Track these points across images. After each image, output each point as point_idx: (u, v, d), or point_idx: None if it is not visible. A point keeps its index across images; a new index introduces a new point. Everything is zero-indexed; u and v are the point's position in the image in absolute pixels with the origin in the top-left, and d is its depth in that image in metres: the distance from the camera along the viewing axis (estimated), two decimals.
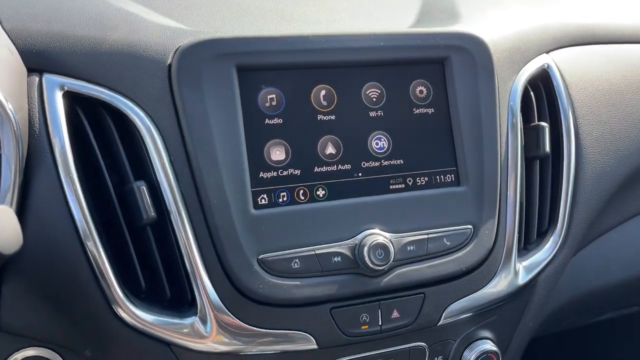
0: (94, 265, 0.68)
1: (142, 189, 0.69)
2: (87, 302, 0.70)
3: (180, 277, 0.71)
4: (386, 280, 0.75)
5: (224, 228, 0.70)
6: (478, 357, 0.82)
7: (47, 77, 0.70)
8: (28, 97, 0.69)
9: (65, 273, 0.69)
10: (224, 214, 0.70)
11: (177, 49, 0.72)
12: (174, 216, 0.70)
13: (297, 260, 0.72)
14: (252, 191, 0.72)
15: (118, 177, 0.71)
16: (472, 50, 0.81)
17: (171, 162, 0.70)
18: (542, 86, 0.91)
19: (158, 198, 0.70)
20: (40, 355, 0.73)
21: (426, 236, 0.77)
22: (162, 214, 0.70)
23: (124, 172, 0.71)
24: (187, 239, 0.70)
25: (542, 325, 0.96)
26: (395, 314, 0.76)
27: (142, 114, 0.70)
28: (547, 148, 0.87)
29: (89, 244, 0.68)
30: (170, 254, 0.71)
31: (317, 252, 0.73)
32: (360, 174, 0.77)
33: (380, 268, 0.73)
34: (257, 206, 0.72)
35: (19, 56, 0.69)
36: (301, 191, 0.74)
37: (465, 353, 0.83)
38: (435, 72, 0.81)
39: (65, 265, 0.69)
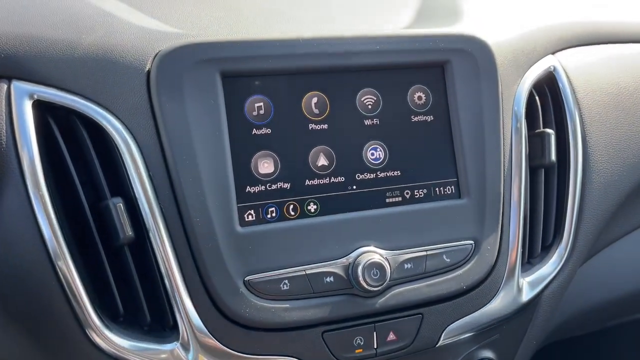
0: (66, 287, 0.64)
1: (118, 207, 0.64)
2: (60, 327, 0.65)
3: (161, 299, 0.66)
4: (382, 301, 0.70)
5: (208, 247, 0.65)
6: None
7: (16, 85, 0.65)
8: None
9: (36, 296, 0.64)
10: (207, 232, 0.65)
11: (156, 54, 0.66)
12: (153, 235, 0.65)
13: (286, 281, 0.67)
14: (238, 207, 0.67)
15: (93, 193, 0.66)
16: (474, 53, 0.76)
17: (150, 177, 0.65)
18: (547, 90, 0.86)
19: (136, 215, 0.65)
20: None
21: (425, 253, 0.72)
22: (140, 232, 0.65)
23: (99, 187, 0.65)
24: (168, 259, 0.65)
25: (544, 340, 0.92)
26: (391, 336, 0.71)
27: (118, 125, 0.65)
28: (553, 156, 0.82)
29: (60, 264, 0.63)
30: (149, 275, 0.66)
31: (308, 272, 0.68)
32: (354, 187, 0.72)
33: (375, 289, 0.68)
34: (243, 223, 0.67)
35: None
36: (291, 206, 0.69)
37: None
38: (434, 76, 0.76)
39: (36, 287, 0.64)
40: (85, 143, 0.66)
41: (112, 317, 0.66)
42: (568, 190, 0.83)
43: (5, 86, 0.65)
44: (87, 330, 0.64)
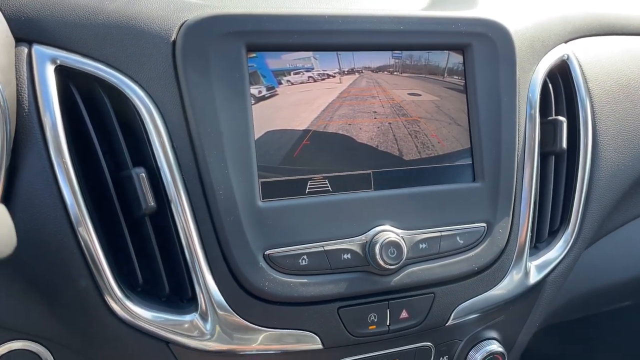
0: (87, 254, 0.63)
1: (141, 176, 0.63)
2: (79, 294, 0.65)
3: (180, 271, 0.66)
4: (396, 279, 0.71)
5: (229, 220, 0.65)
6: (484, 358, 0.79)
7: (37, 49, 0.63)
8: (16, 71, 0.63)
9: (56, 262, 0.64)
10: (229, 205, 0.65)
11: (182, 24, 0.66)
12: (175, 206, 0.65)
13: (305, 256, 0.68)
14: (261, 182, 0.67)
15: (115, 162, 0.66)
16: (495, 38, 0.77)
17: (173, 147, 0.65)
18: (560, 78, 0.87)
19: (158, 186, 0.65)
20: (27, 348, 0.68)
21: (439, 234, 0.73)
22: (162, 203, 0.65)
23: (121, 157, 0.65)
24: (189, 231, 0.65)
25: (543, 322, 0.94)
26: (404, 314, 0.73)
27: (142, 93, 0.64)
28: (564, 144, 0.83)
29: (82, 231, 0.63)
30: (170, 247, 0.66)
31: (327, 248, 0.68)
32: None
33: (391, 267, 0.69)
34: (264, 198, 0.67)
35: (5, 24, 0.63)
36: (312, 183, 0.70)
37: (471, 353, 0.80)
38: (454, 60, 0.76)
39: (56, 253, 0.64)
40: (107, 111, 0.65)
41: (130, 287, 0.66)
42: (577, 177, 0.85)
43: (26, 50, 0.64)
44: (106, 299, 0.64)
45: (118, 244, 0.65)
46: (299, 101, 0.69)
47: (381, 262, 0.69)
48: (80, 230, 0.63)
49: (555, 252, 0.84)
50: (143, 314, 0.65)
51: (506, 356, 0.81)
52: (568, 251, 0.85)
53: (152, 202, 0.64)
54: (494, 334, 0.82)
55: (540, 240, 0.84)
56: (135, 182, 0.63)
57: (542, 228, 0.84)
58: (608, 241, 0.98)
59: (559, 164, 0.85)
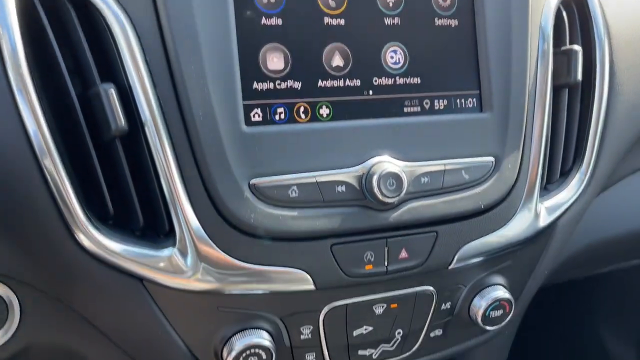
0: (52, 185, 0.57)
1: (110, 93, 0.57)
2: (45, 229, 0.59)
3: (156, 202, 0.60)
4: (395, 215, 0.65)
5: (210, 145, 0.58)
6: (490, 305, 0.73)
7: None
8: None
9: (19, 194, 0.58)
10: (209, 129, 0.58)
11: None
12: (148, 129, 0.58)
13: (295, 187, 0.61)
14: (244, 104, 0.60)
15: (82, 82, 0.59)
16: None
17: (146, 62, 0.58)
18: (575, 7, 0.80)
19: (130, 107, 0.58)
20: None
21: (443, 167, 0.67)
22: (134, 126, 0.58)
23: (88, 75, 0.58)
24: (165, 156, 0.58)
25: (552, 274, 0.88)
26: (403, 254, 0.66)
27: (112, 3, 0.57)
28: (579, 75, 0.76)
29: (46, 162, 0.57)
30: (144, 175, 0.60)
31: (319, 179, 0.62)
32: (370, 92, 0.66)
33: (390, 200, 0.63)
34: (249, 122, 0.60)
35: None
36: (302, 108, 0.63)
37: (476, 300, 0.74)
38: None
39: (19, 185, 0.57)
40: (72, 23, 0.58)
41: (100, 219, 0.60)
42: (592, 112, 0.78)
43: None
44: (73, 230, 0.58)
45: (86, 172, 0.59)
46: None
47: (379, 195, 0.62)
48: (44, 158, 0.57)
49: (567, 193, 0.77)
50: (114, 247, 0.59)
51: (513, 304, 0.75)
52: (581, 193, 0.79)
53: (122, 122, 0.57)
54: (500, 279, 0.76)
55: (552, 181, 0.78)
56: (103, 100, 0.56)
57: (553, 167, 0.77)
58: (620, 189, 0.92)
59: (572, 97, 0.78)
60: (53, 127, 0.57)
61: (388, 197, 0.62)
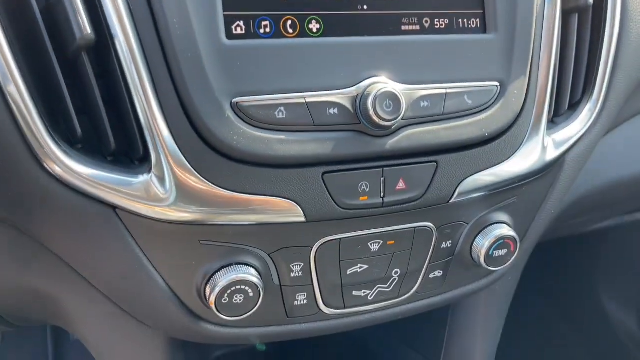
0: (14, 107, 0.52)
1: None
2: (7, 155, 0.53)
3: (129, 122, 0.54)
4: (393, 142, 0.59)
5: (187, 58, 0.53)
6: (493, 243, 0.69)
7: None
8: None
9: None
10: (186, 41, 0.53)
11: None
12: (118, 40, 0.52)
13: (282, 108, 0.56)
14: (225, 15, 0.54)
15: None
16: None
17: None
18: None
19: (98, 17, 0.52)
20: None
21: (444, 91, 0.61)
22: (103, 38, 0.53)
23: None
24: (138, 71, 0.53)
25: (557, 220, 0.84)
26: (401, 185, 0.61)
27: None
28: None
29: (10, 87, 0.51)
30: (115, 92, 0.54)
31: (308, 100, 0.56)
32: (365, 7, 0.60)
33: (387, 124, 0.57)
34: (230, 35, 0.55)
35: None
36: (289, 22, 0.57)
37: (478, 239, 0.70)
38: None
39: None
40: None
41: (69, 143, 0.55)
42: (603, 40, 0.73)
43: None
44: (40, 157, 0.53)
45: (53, 94, 0.53)
46: None
47: (374, 118, 0.57)
48: (7, 84, 0.51)
49: (577, 126, 0.72)
50: (83, 172, 0.54)
51: (518, 243, 0.70)
52: (591, 126, 0.73)
53: (88, 30, 0.51)
54: (504, 218, 0.71)
55: (559, 113, 0.73)
56: (66, 5, 0.51)
57: (562, 98, 0.72)
58: (624, 131, 0.87)
59: (583, 23, 0.72)
60: (13, 42, 0.52)
61: (385, 119, 0.57)
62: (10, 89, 0.51)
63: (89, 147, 0.56)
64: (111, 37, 0.52)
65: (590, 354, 1.59)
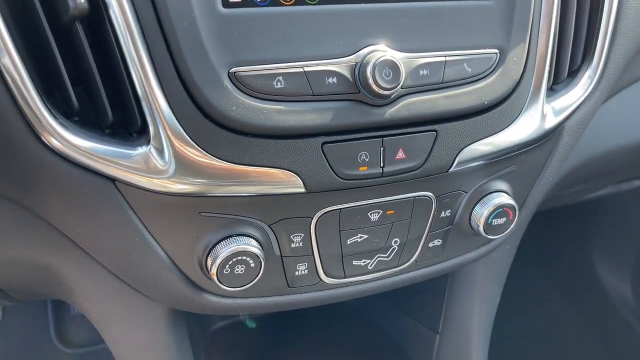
0: (9, 80, 0.51)
1: None
2: (5, 129, 0.53)
3: (126, 93, 0.53)
4: (392, 111, 0.59)
5: (183, 27, 0.52)
6: (492, 212, 0.69)
7: None
8: None
9: None
10: (182, 9, 0.52)
11: None
12: (112, 9, 0.51)
13: (280, 77, 0.55)
14: None
15: None
16: None
17: None
18: None
19: None
20: None
21: (443, 59, 0.60)
22: (98, 9, 0.52)
23: None
24: (134, 41, 0.52)
25: (555, 187, 0.84)
26: (400, 154, 0.61)
27: None
28: None
29: (4, 60, 0.50)
30: (111, 63, 0.53)
31: (307, 69, 0.56)
32: None
33: (386, 93, 0.57)
34: (227, 4, 0.54)
35: None
36: None
37: (477, 208, 0.70)
38: None
39: None
40: None
41: (66, 116, 0.54)
42: (603, 5, 0.72)
43: None
44: (38, 130, 0.52)
45: (47, 64, 0.52)
46: None
47: (374, 87, 0.56)
48: (2, 56, 0.50)
49: (576, 93, 0.72)
50: (82, 145, 0.53)
51: (517, 211, 0.70)
52: (590, 93, 0.73)
53: (81, 0, 0.50)
54: (503, 186, 0.71)
55: (559, 80, 0.72)
56: None
57: (561, 64, 0.71)
58: (623, 98, 0.87)
59: None
60: (6, 13, 0.51)
61: (384, 88, 0.56)
62: (5, 61, 0.51)
63: (86, 121, 0.55)
64: (105, 7, 0.51)
65: (584, 320, 1.62)
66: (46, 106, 0.52)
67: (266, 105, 0.55)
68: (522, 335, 1.54)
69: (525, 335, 1.55)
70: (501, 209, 0.69)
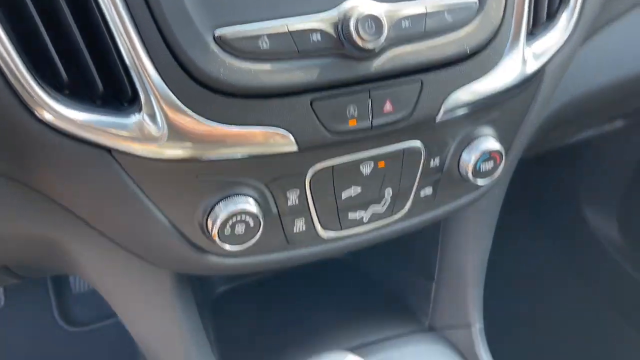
0: None
1: None
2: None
3: (113, 63, 0.54)
4: (377, 64, 0.60)
5: None
6: (479, 157, 0.71)
7: None
8: None
9: None
10: None
11: None
12: None
13: (265, 37, 0.56)
14: None
15: None
16: None
17: None
18: None
19: None
20: None
21: (424, 10, 0.61)
22: None
23: None
24: (117, 10, 0.52)
25: (539, 129, 0.86)
26: (388, 106, 0.62)
27: None
28: None
29: None
30: (95, 32, 0.54)
31: (291, 28, 0.56)
32: None
33: (370, 46, 0.58)
34: None
35: None
36: None
37: (465, 154, 0.72)
38: None
39: None
40: None
41: (56, 89, 0.55)
42: None
43: None
44: (29, 104, 0.53)
45: (31, 37, 0.53)
46: None
47: (358, 40, 0.57)
48: None
49: (555, 36, 0.73)
50: (75, 117, 0.54)
51: (504, 155, 0.72)
52: (569, 35, 0.74)
53: None
54: (489, 131, 0.73)
55: (538, 24, 0.73)
56: None
57: (539, 9, 0.72)
58: (601, 39, 0.88)
59: None
60: None
61: (368, 40, 0.57)
62: None
63: (77, 93, 0.56)
64: None
65: (572, 261, 1.67)
66: (36, 80, 0.53)
67: (253, 66, 0.56)
68: (511, 277, 1.58)
69: (513, 277, 1.60)
70: (488, 154, 0.71)
